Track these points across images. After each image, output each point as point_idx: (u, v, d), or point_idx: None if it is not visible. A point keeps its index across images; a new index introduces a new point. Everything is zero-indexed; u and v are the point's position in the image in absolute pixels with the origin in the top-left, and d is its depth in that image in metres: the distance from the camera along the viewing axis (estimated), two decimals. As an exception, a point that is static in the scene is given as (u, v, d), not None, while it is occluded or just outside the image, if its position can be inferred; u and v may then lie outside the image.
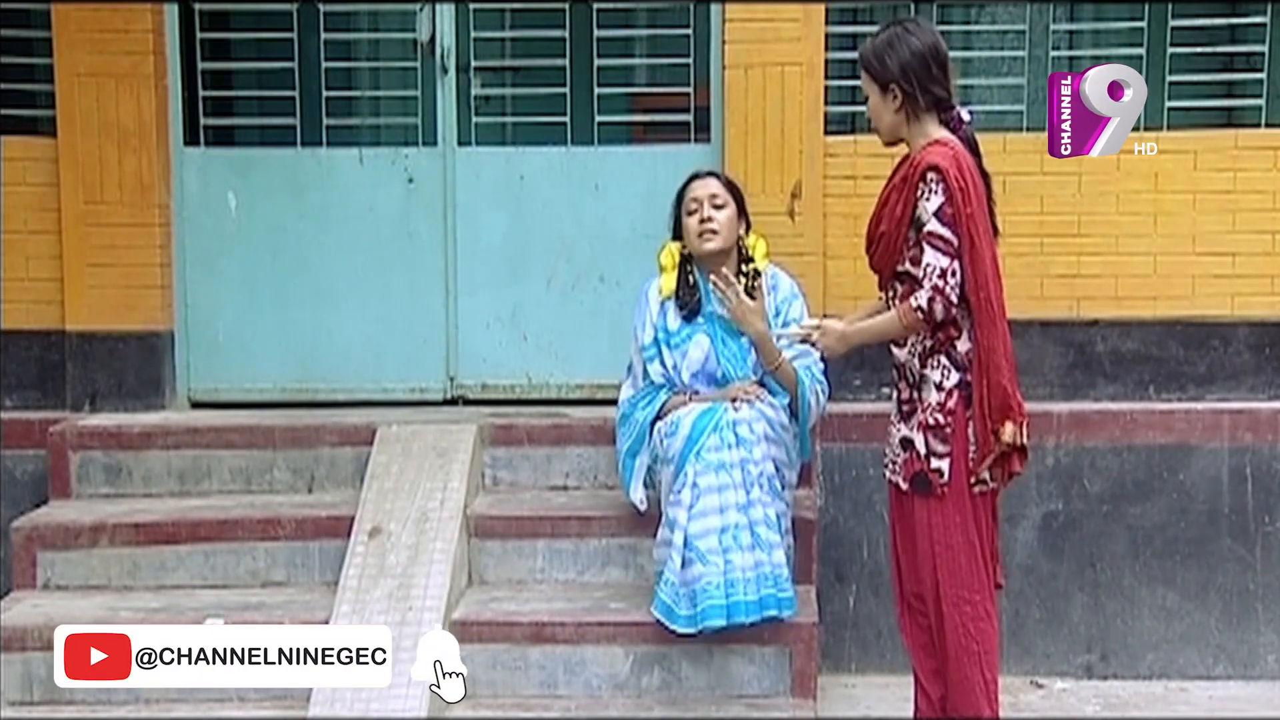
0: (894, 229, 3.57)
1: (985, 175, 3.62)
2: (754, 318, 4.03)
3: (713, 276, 4.06)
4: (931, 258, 3.46)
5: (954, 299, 3.47)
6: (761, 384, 4.16)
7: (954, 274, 3.46)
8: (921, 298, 3.48)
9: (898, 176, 3.59)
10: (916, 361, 3.59)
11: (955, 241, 3.45)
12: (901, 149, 3.67)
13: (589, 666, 4.07)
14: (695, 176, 4.25)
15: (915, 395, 3.60)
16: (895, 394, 3.69)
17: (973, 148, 3.60)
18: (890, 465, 3.69)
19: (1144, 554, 4.82)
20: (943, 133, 3.57)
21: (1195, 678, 4.81)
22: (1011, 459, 3.55)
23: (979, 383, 3.50)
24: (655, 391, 4.23)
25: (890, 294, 3.65)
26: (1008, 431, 3.49)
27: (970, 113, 3.68)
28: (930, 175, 3.46)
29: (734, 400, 4.08)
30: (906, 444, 3.61)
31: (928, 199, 3.47)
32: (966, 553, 3.57)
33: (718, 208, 4.15)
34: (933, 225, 3.46)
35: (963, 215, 3.45)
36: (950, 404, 3.53)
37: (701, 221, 4.13)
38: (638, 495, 4.23)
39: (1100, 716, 4.58)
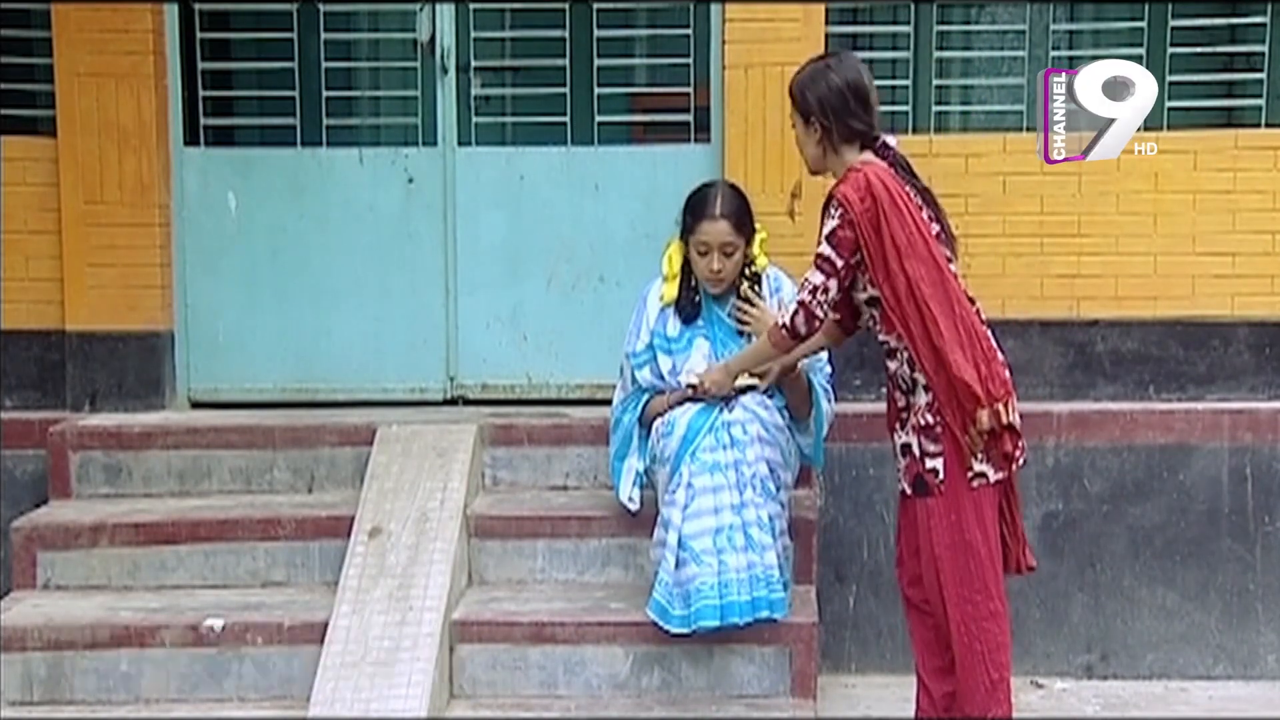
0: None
1: (925, 191, 3.69)
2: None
3: (734, 302, 4.14)
4: (810, 274, 3.64)
5: (820, 314, 3.65)
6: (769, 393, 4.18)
7: (825, 291, 3.62)
8: (785, 314, 3.69)
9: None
10: (907, 368, 3.63)
11: (839, 263, 3.58)
12: None
13: (589, 666, 4.07)
14: (707, 212, 4.13)
15: (909, 401, 3.63)
16: (893, 404, 3.72)
17: (905, 169, 3.68)
18: (898, 473, 3.71)
19: (1144, 554, 4.82)
20: (865, 156, 3.65)
21: (1195, 678, 4.81)
22: (1002, 440, 3.55)
23: (941, 382, 3.53)
24: (640, 395, 4.25)
25: (871, 323, 3.72)
26: (982, 419, 3.51)
27: (895, 138, 3.77)
28: (832, 204, 3.60)
29: (697, 387, 4.07)
30: (905, 449, 3.64)
31: (825, 224, 3.61)
32: (964, 552, 3.58)
33: (727, 255, 4.15)
34: (821, 247, 3.61)
35: (866, 233, 3.52)
36: (938, 404, 3.55)
37: (710, 270, 4.15)
38: (626, 496, 4.24)
39: (1100, 716, 4.58)
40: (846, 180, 3.59)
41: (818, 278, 3.61)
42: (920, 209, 3.60)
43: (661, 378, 4.22)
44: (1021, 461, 3.64)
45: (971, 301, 3.63)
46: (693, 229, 4.16)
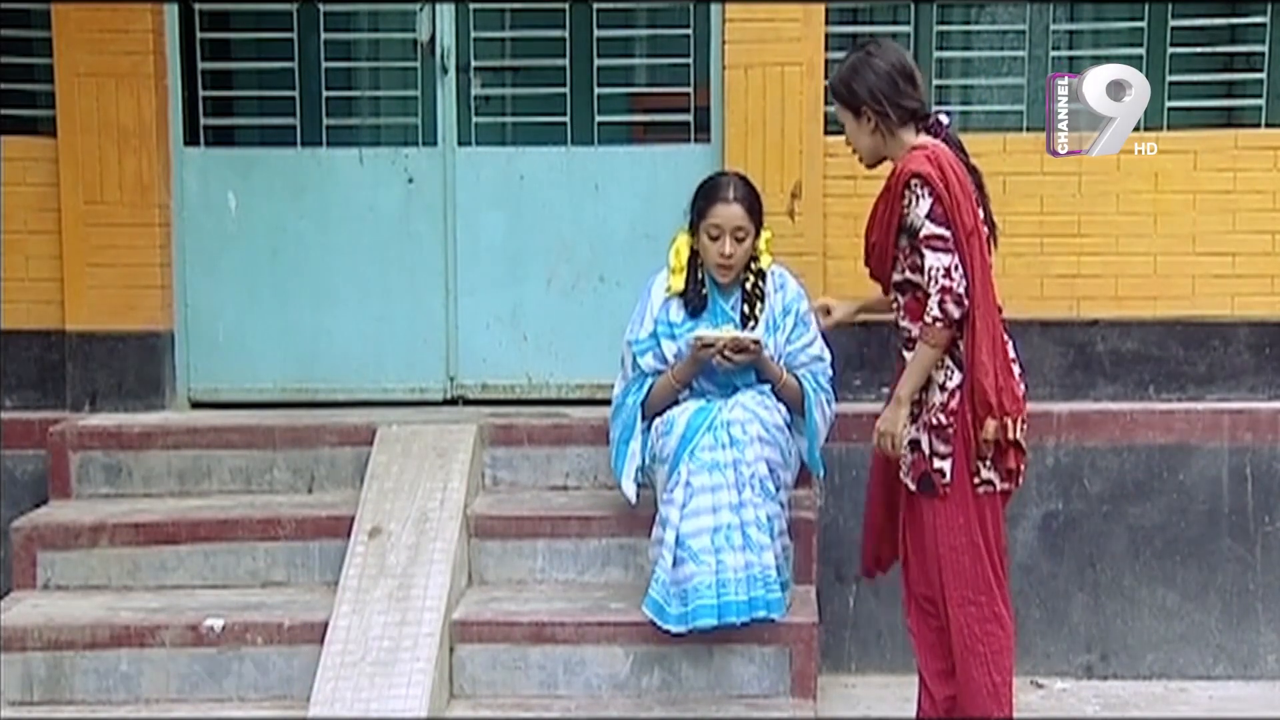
0: (884, 238, 3.63)
1: (975, 171, 3.66)
2: (744, 357, 4.07)
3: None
4: (933, 260, 3.49)
5: (963, 292, 3.49)
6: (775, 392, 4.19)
7: (957, 268, 3.49)
8: (933, 306, 3.50)
9: (884, 186, 3.64)
10: None
11: (950, 238, 3.49)
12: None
13: (589, 666, 4.07)
14: (720, 195, 4.14)
15: (922, 396, 3.62)
16: None
17: (957, 147, 3.64)
18: (901, 467, 3.70)
19: (1144, 554, 4.82)
20: (922, 138, 3.61)
21: (1195, 678, 4.81)
22: (1006, 455, 3.55)
23: (966, 380, 3.53)
24: (643, 379, 4.24)
25: (895, 305, 3.67)
26: (989, 428, 3.50)
27: (948, 114, 3.75)
28: (914, 182, 3.51)
29: (704, 346, 4.06)
30: (914, 445, 3.63)
31: (916, 205, 3.51)
32: (970, 554, 3.58)
33: (738, 240, 4.14)
34: (928, 228, 3.50)
35: (946, 209, 3.48)
36: (952, 404, 3.55)
37: (721, 255, 4.14)
38: (629, 485, 4.22)
39: (1100, 716, 4.58)
40: (914, 159, 3.52)
41: (944, 259, 3.48)
42: (978, 205, 3.59)
43: (665, 362, 4.21)
44: (1020, 481, 3.65)
45: (998, 310, 3.63)
46: (705, 213, 4.15)
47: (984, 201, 3.65)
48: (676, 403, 4.19)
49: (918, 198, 3.51)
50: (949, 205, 3.48)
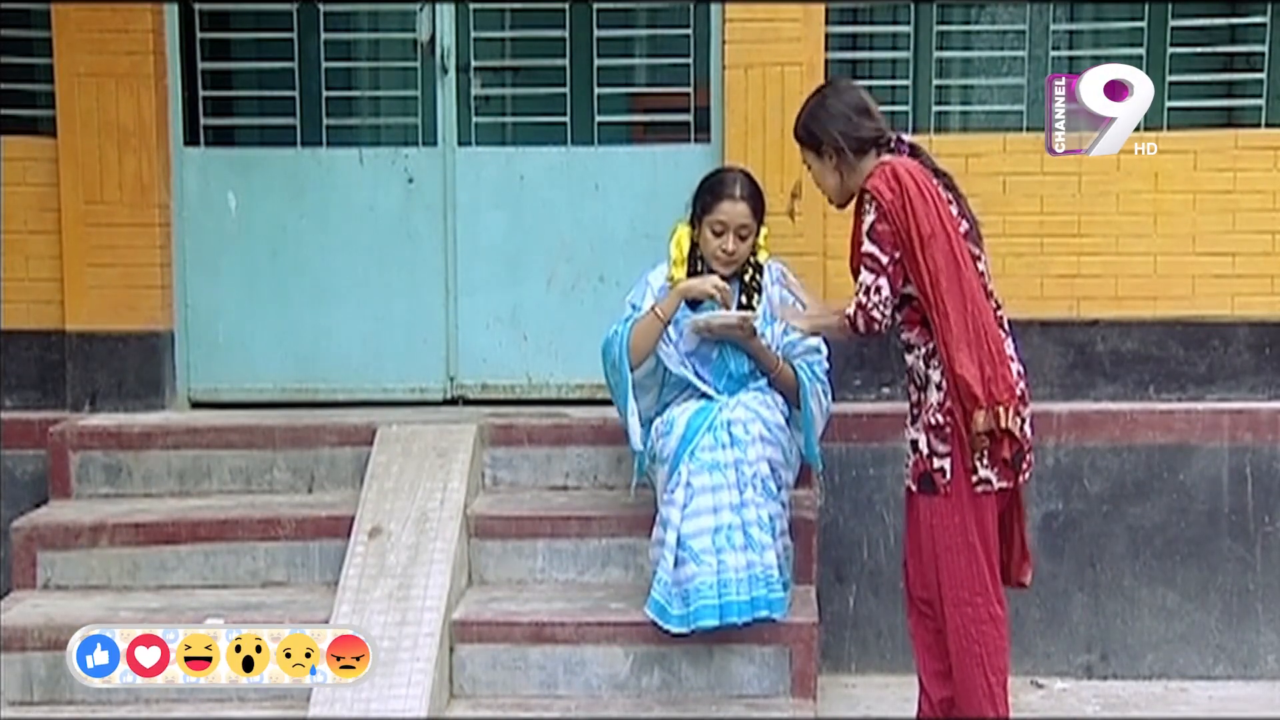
0: (859, 259, 3.67)
1: (943, 174, 3.70)
2: (741, 335, 4.09)
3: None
4: (863, 276, 3.59)
5: (877, 315, 3.57)
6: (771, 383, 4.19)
7: (878, 291, 3.56)
8: (850, 307, 3.61)
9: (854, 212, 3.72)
10: (922, 364, 3.64)
11: (884, 260, 3.55)
12: None
13: (589, 666, 4.07)
14: (727, 193, 4.16)
15: (921, 397, 3.64)
16: (907, 398, 3.72)
17: (926, 159, 3.70)
18: (905, 469, 3.72)
19: (1144, 554, 4.82)
20: (883, 158, 3.67)
21: (1195, 678, 4.81)
22: (1001, 444, 3.55)
23: (949, 379, 3.55)
24: (635, 313, 4.22)
25: (895, 321, 3.69)
26: (978, 420, 3.52)
27: (909, 136, 3.80)
28: (865, 196, 3.60)
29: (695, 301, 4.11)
30: (914, 446, 3.64)
31: (864, 219, 3.60)
32: (966, 554, 3.58)
33: (742, 238, 4.16)
34: (866, 245, 3.59)
35: (897, 222, 3.53)
36: (948, 404, 3.56)
37: (724, 251, 4.15)
38: (635, 425, 4.16)
39: (1100, 716, 4.58)
40: (875, 174, 3.60)
41: (868, 277, 3.57)
42: (949, 204, 3.61)
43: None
44: (1027, 474, 3.65)
45: (998, 306, 3.65)
46: (711, 208, 4.16)
47: (958, 200, 3.68)
48: (676, 402, 4.19)
49: (865, 213, 3.59)
50: (894, 217, 3.53)
